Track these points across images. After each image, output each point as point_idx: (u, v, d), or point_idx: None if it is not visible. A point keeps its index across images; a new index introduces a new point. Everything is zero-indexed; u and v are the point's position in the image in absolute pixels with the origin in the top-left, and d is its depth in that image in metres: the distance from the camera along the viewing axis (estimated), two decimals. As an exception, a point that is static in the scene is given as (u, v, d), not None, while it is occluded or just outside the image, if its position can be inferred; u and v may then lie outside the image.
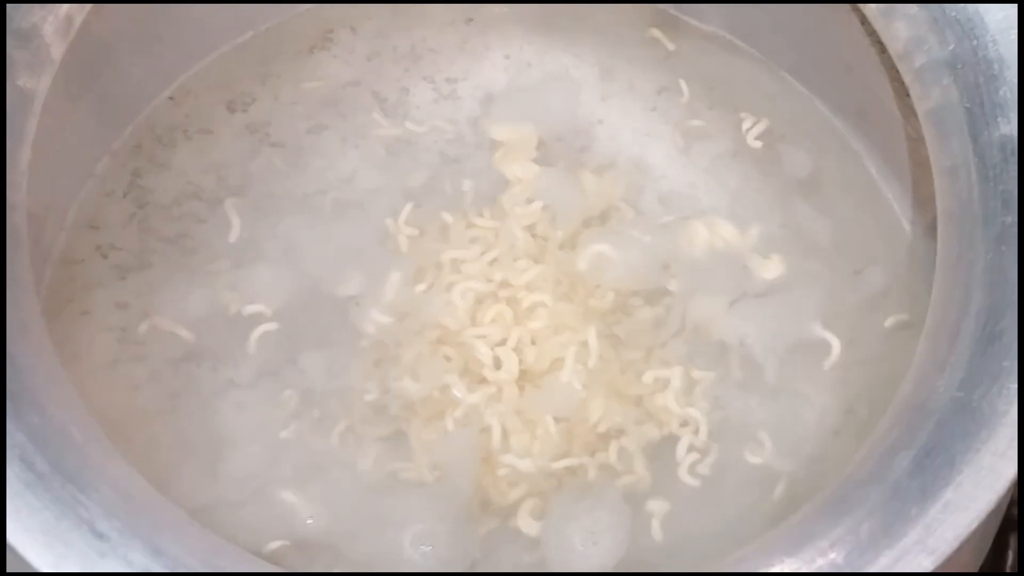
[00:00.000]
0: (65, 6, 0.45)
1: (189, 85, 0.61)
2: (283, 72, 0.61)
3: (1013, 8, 0.44)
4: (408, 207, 0.57)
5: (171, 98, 0.60)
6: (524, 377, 0.53)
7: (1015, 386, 0.39)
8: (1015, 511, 0.56)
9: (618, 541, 0.48)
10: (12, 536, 0.36)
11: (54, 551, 0.36)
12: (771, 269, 0.55)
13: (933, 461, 0.38)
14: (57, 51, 0.45)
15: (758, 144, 0.59)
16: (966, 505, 0.37)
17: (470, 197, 0.58)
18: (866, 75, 0.55)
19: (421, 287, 0.55)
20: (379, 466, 0.51)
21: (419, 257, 0.56)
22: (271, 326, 0.54)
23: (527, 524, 0.50)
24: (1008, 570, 0.54)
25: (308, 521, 0.50)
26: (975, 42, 0.44)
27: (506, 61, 0.62)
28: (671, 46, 0.62)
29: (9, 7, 0.44)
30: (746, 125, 0.60)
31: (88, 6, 0.47)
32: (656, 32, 0.62)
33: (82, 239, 0.56)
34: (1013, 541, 0.57)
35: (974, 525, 0.37)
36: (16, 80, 0.44)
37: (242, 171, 0.58)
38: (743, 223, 0.56)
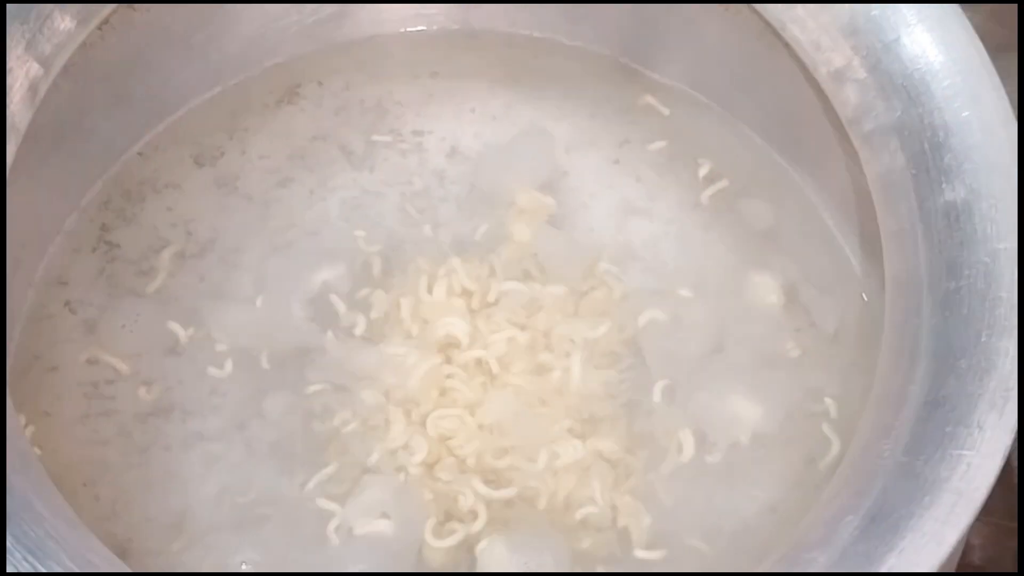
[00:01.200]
0: (30, 75, 0.46)
1: (157, 140, 0.61)
2: (251, 126, 0.62)
3: (958, 76, 0.45)
4: (375, 259, 0.58)
5: (140, 153, 0.61)
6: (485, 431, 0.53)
7: (957, 452, 0.39)
8: (974, 559, 0.57)
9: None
10: (-27, 611, 0.36)
11: (14, 625, 0.36)
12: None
13: (878, 527, 0.39)
14: (22, 121, 0.46)
15: (716, 197, 0.60)
16: (909, 570, 0.38)
17: (436, 248, 0.58)
18: (821, 131, 0.56)
19: (385, 338, 0.56)
20: (338, 516, 0.52)
21: (384, 309, 0.56)
22: (239, 378, 0.55)
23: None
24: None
25: (243, 566, 0.50)
26: (921, 109, 0.45)
27: (472, 114, 0.63)
28: (633, 99, 0.63)
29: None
30: (704, 176, 0.60)
31: (52, 75, 0.48)
32: (618, 86, 0.63)
33: (51, 295, 0.57)
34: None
35: (917, 590, 0.38)
36: (-19, 150, 0.44)
37: (210, 225, 0.59)
38: (704, 279, 0.57)
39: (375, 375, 0.54)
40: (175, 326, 0.56)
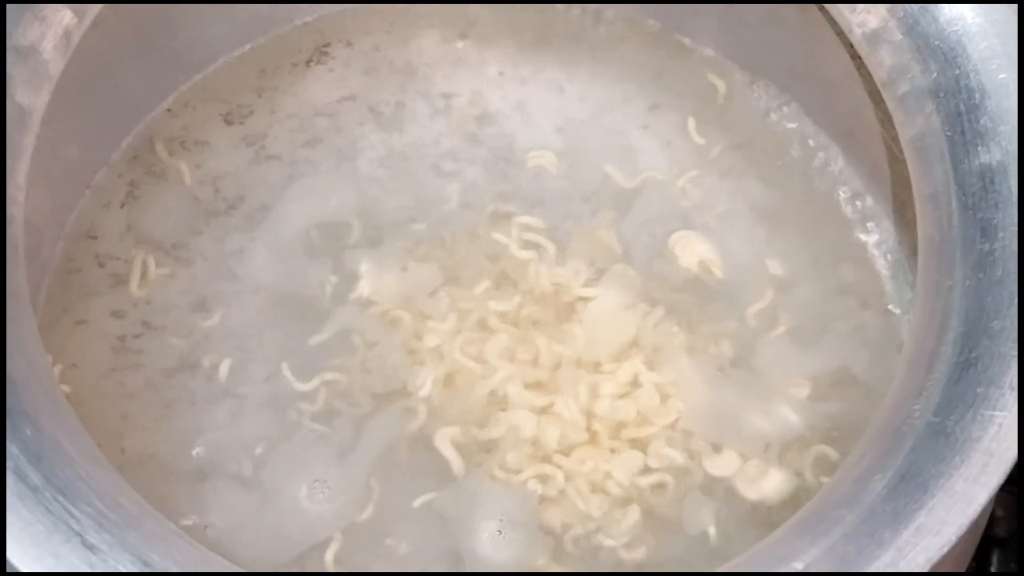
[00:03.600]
0: (64, 23, 0.46)
1: (187, 97, 0.61)
2: (280, 85, 0.62)
3: (995, 39, 0.45)
4: (403, 219, 0.58)
5: (169, 110, 0.61)
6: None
7: (989, 412, 0.39)
8: (998, 530, 0.57)
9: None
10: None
11: (45, 563, 0.36)
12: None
13: (907, 485, 0.39)
14: (56, 68, 0.46)
15: (746, 162, 0.60)
16: (938, 529, 0.38)
17: (463, 210, 0.59)
18: (853, 96, 0.55)
19: (419, 293, 0.56)
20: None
21: (412, 265, 0.57)
22: (266, 334, 0.55)
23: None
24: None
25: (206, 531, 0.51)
26: (957, 71, 0.45)
27: (501, 77, 0.63)
28: (662, 63, 0.63)
29: (8, 25, 0.45)
30: (735, 140, 0.60)
31: (86, 23, 0.48)
32: (647, 50, 0.63)
33: (80, 248, 0.57)
34: (996, 558, 0.58)
35: (945, 549, 0.38)
36: (15, 96, 0.44)
37: (238, 182, 0.59)
38: (735, 242, 0.58)
39: (406, 324, 0.55)
40: (202, 282, 0.57)
